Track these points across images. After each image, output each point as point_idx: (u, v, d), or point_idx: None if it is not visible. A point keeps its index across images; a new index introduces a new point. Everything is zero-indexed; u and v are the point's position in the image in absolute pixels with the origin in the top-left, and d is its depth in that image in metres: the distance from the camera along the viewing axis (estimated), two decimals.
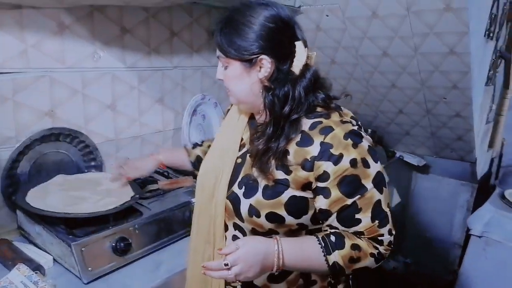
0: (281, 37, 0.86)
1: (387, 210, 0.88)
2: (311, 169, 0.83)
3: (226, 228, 0.96)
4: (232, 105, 1.09)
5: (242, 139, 1.00)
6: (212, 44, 1.87)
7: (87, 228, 1.14)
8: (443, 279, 2.61)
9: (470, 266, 2.00)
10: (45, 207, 1.14)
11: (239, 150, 0.99)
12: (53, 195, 1.22)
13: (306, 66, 0.88)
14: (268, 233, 0.90)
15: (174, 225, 1.30)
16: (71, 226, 1.14)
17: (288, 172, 0.86)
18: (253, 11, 0.86)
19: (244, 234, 0.94)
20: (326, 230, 0.89)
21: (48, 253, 1.16)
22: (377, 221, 0.86)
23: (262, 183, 0.88)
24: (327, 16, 1.76)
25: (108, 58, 1.48)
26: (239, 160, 0.97)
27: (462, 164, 2.41)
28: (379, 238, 0.88)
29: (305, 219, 0.89)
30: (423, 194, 2.74)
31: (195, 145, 1.34)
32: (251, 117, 1.01)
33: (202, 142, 1.35)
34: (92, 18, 1.41)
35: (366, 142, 0.86)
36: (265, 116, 0.91)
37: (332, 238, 0.86)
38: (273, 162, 0.86)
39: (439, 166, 2.54)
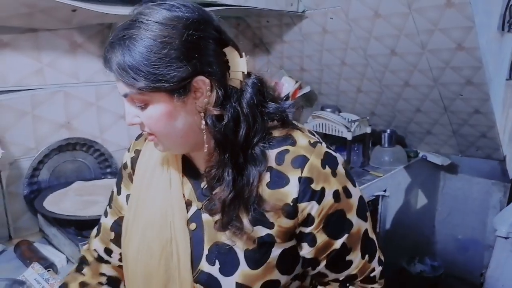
0: (211, 47, 0.65)
1: (373, 237, 0.76)
2: (295, 214, 0.67)
3: None
4: (136, 154, 0.83)
5: (184, 196, 0.75)
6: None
7: None
8: (473, 283, 2.50)
9: (497, 268, 1.90)
10: (58, 211, 1.25)
11: (187, 212, 0.74)
12: (68, 200, 1.33)
13: (247, 76, 0.69)
14: None
15: None
16: (81, 228, 1.24)
17: (269, 225, 0.68)
18: (154, 17, 0.62)
19: None
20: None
21: (62, 253, 1.27)
22: (366, 256, 0.74)
23: (240, 249, 0.68)
24: (331, 18, 1.77)
25: None
26: (193, 226, 0.73)
27: (490, 162, 2.30)
28: (371, 274, 0.76)
29: (298, 269, 0.75)
30: (453, 195, 2.63)
31: (64, 285, 0.86)
32: (184, 162, 0.77)
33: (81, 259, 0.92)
34: (102, 35, 1.52)
35: (341, 165, 0.72)
36: (212, 155, 0.68)
37: None
38: (245, 217, 0.67)
39: (466, 165, 2.44)
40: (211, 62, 0.65)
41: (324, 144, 0.72)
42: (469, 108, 1.89)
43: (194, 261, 0.71)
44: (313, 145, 0.70)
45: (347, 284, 0.76)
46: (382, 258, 0.79)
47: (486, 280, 1.95)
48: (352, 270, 0.73)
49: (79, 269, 0.90)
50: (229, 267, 0.68)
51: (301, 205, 0.67)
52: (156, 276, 0.72)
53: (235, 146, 0.66)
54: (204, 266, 0.71)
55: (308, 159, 0.67)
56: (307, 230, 0.69)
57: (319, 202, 0.67)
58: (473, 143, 2.19)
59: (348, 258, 0.72)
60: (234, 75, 0.68)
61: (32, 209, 1.41)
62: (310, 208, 0.67)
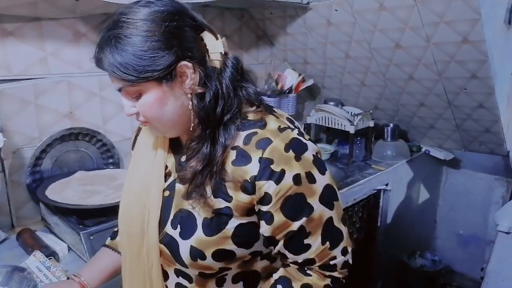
0: (189, 33, 0.71)
1: (340, 226, 0.78)
2: (252, 191, 0.71)
3: (166, 276, 0.82)
4: (138, 132, 0.94)
5: (167, 167, 0.83)
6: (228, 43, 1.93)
7: (96, 219, 1.24)
8: (474, 278, 2.50)
9: (498, 263, 1.90)
10: (60, 200, 1.25)
11: (165, 181, 0.82)
12: (70, 189, 1.34)
13: (225, 56, 0.74)
14: (219, 273, 0.78)
15: None
16: (82, 217, 1.24)
17: (228, 198, 0.73)
18: (135, 15, 0.68)
19: (190, 280, 0.80)
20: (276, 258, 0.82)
21: (64, 241, 1.27)
22: (327, 243, 0.76)
23: (200, 216, 0.74)
24: (336, 10, 1.75)
25: None
26: (167, 193, 0.81)
27: (493, 157, 2.29)
28: (331, 262, 0.78)
29: (258, 245, 0.78)
30: (455, 190, 2.62)
31: (114, 234, 1.05)
32: (171, 140, 0.85)
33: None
34: None
35: (310, 152, 0.74)
36: (195, 131, 0.75)
37: (279, 287, 0.78)
38: (208, 188, 0.73)
39: (469, 160, 2.43)
40: (191, 47, 0.71)
41: (295, 131, 0.75)
42: (473, 102, 1.88)
43: (162, 224, 0.79)
44: (281, 130, 0.74)
45: (305, 268, 0.78)
46: (350, 249, 0.80)
47: (487, 274, 1.95)
48: (310, 254, 0.76)
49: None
50: (187, 231, 0.75)
51: (259, 183, 0.71)
52: (134, 235, 0.82)
53: (215, 121, 0.73)
54: (168, 229, 0.78)
55: (272, 142, 0.72)
56: (265, 208, 0.72)
57: (277, 182, 0.70)
58: (476, 138, 2.18)
59: (306, 241, 0.75)
60: (214, 56, 0.73)
61: (35, 198, 1.42)
62: (267, 187, 0.71)
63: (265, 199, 0.71)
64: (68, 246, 1.26)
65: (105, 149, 1.58)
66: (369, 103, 2.28)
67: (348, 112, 2.16)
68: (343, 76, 2.16)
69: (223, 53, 0.74)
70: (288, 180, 0.71)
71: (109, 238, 1.05)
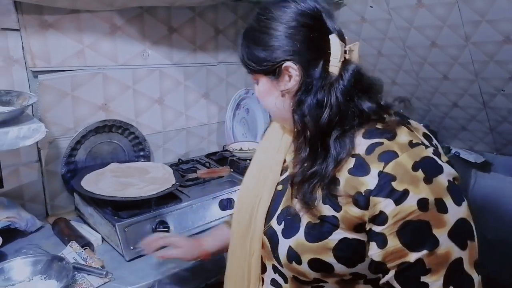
0: (307, 36, 0.71)
1: (472, 273, 0.63)
2: (365, 206, 0.64)
3: (264, 269, 0.82)
4: (269, 123, 0.97)
5: (285, 161, 0.84)
6: None
7: (131, 211, 1.25)
8: (502, 283, 2.44)
9: None
10: (96, 191, 1.27)
11: (281, 175, 0.83)
12: (104, 181, 1.35)
13: (345, 64, 0.70)
14: (314, 282, 0.73)
15: (211, 212, 1.38)
16: (117, 209, 1.25)
17: (337, 207, 0.67)
18: (269, 14, 0.73)
19: (286, 280, 0.78)
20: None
21: (98, 232, 1.29)
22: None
23: (304, 219, 0.71)
24: (371, 7, 1.72)
25: (156, 56, 1.60)
26: (280, 187, 0.81)
27: None
28: None
29: (362, 267, 0.70)
30: (485, 194, 2.55)
31: None
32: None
33: None
34: (142, 18, 1.52)
35: (445, 176, 0.63)
36: (300, 135, 0.74)
37: None
38: (319, 192, 0.69)
39: (501, 163, 2.36)
40: (306, 50, 0.71)
41: (430, 149, 0.66)
42: (511, 104, 1.82)
43: (269, 217, 0.79)
44: (413, 145, 0.66)
45: None
46: None
47: None
48: None
49: None
50: (289, 231, 0.73)
51: (374, 199, 0.63)
52: (242, 221, 0.84)
53: (315, 130, 0.70)
54: (274, 223, 0.77)
55: (397, 156, 0.64)
56: (378, 229, 0.64)
57: (396, 202, 0.62)
58: (510, 141, 2.12)
59: (423, 279, 0.63)
60: (333, 62, 0.70)
61: (69, 188, 1.44)
62: (384, 205, 0.62)
63: (380, 218, 0.63)
64: (102, 236, 1.27)
65: (137, 142, 1.59)
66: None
67: None
68: (374, 74, 2.11)
69: (343, 60, 0.70)
70: (411, 203, 0.61)
71: (230, 216, 1.08)
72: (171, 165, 1.55)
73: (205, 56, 1.75)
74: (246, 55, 0.76)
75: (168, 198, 1.33)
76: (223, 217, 1.40)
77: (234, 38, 1.83)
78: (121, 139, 1.56)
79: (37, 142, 1.33)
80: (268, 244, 0.77)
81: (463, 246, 0.62)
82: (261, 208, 0.80)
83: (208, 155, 1.79)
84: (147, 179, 1.40)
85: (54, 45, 1.33)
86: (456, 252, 0.62)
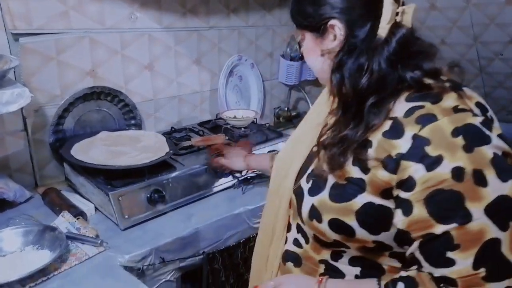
0: None
1: (511, 257, 0.57)
2: (394, 170, 0.61)
3: (289, 228, 0.84)
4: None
5: (327, 124, 0.80)
6: (250, 3, 1.84)
7: (124, 180, 1.21)
8: None
9: None
10: (87, 160, 1.22)
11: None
12: (95, 149, 1.30)
13: (395, 27, 0.65)
14: (335, 245, 0.72)
15: (206, 181, 1.35)
16: (110, 178, 1.21)
17: (365, 169, 0.65)
18: None
19: (307, 240, 0.78)
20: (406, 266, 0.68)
21: (91, 202, 1.25)
22: (483, 270, 0.57)
23: (330, 180, 0.70)
24: None
25: (145, 19, 1.51)
26: (315, 149, 0.78)
27: None
28: None
29: (386, 237, 0.66)
30: None
31: None
32: None
33: None
34: None
35: (491, 148, 0.57)
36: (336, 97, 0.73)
37: (400, 286, 0.63)
38: (349, 155, 0.67)
39: None
40: (353, 9, 0.67)
41: (479, 118, 0.60)
42: (508, 69, 1.79)
43: (300, 176, 0.79)
44: (458, 110, 0.60)
45: (441, 285, 0.61)
46: None
47: None
48: (452, 273, 0.59)
49: None
50: (315, 189, 0.73)
51: (404, 163, 0.60)
52: (279, 174, 0.86)
53: (351, 95, 0.67)
54: (303, 181, 0.77)
55: (436, 120, 0.59)
56: (404, 195, 0.61)
57: (428, 168, 0.58)
58: (505, 107, 2.11)
59: (449, 255, 0.58)
60: (383, 24, 0.65)
61: (58, 158, 1.39)
62: (414, 170, 0.59)
63: (407, 184, 0.60)
64: (95, 206, 1.24)
65: (127, 110, 1.54)
66: None
67: None
68: None
69: (394, 23, 0.65)
70: (444, 170, 0.57)
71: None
72: (163, 134, 1.51)
73: (196, 21, 1.67)
74: (295, 8, 0.75)
75: (162, 166, 1.30)
76: (219, 185, 1.37)
77: (226, 2, 1.74)
78: (111, 107, 1.50)
79: (22, 109, 1.28)
80: (295, 202, 0.78)
81: (503, 227, 0.57)
82: (295, 165, 0.82)
83: (201, 124, 1.75)
84: (140, 147, 1.35)
85: (35, 6, 1.24)
86: (493, 231, 0.56)
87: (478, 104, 0.65)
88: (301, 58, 2.04)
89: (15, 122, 1.29)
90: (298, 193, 0.77)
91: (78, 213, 1.17)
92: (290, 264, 0.82)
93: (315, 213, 0.71)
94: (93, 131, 1.44)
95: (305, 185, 0.75)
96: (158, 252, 1.10)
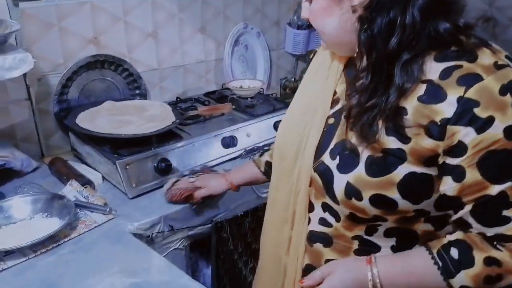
0: None
1: None
2: (440, 137, 0.58)
3: (311, 208, 0.77)
4: (313, 55, 0.88)
5: (335, 93, 0.76)
6: None
7: (131, 149, 1.19)
8: None
9: None
10: (93, 128, 1.20)
11: (331, 107, 0.75)
12: (101, 119, 1.28)
13: None
14: (372, 220, 0.69)
15: (213, 150, 1.33)
16: (116, 147, 1.20)
17: (404, 139, 0.61)
18: None
19: (338, 218, 0.72)
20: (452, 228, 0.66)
21: (98, 171, 1.24)
22: None
23: (364, 153, 0.65)
24: None
25: None
26: (331, 121, 0.74)
27: None
28: None
29: (427, 204, 0.65)
30: None
31: (263, 152, 1.09)
32: (348, 64, 0.77)
33: (269, 147, 1.10)
34: None
35: None
36: (363, 59, 0.66)
37: (454, 252, 0.62)
38: (380, 124, 0.63)
39: None
40: None
41: None
42: None
43: (320, 152, 0.73)
44: (500, 66, 0.58)
45: (495, 242, 0.61)
46: None
47: None
48: (508, 230, 0.59)
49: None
50: (346, 165, 0.67)
51: (452, 128, 0.57)
52: (288, 156, 0.78)
53: (382, 53, 0.61)
54: (326, 158, 0.71)
55: (482, 79, 0.56)
56: (455, 161, 0.58)
57: (479, 131, 0.56)
58: None
59: (505, 213, 0.58)
60: None
61: (63, 128, 1.37)
62: (464, 134, 0.56)
63: (457, 149, 0.57)
64: (102, 175, 1.23)
65: (132, 79, 1.51)
66: None
67: None
68: None
69: None
70: (496, 131, 0.55)
71: (258, 155, 1.10)
72: (169, 104, 1.48)
73: None
74: None
75: (169, 136, 1.28)
76: (226, 155, 1.36)
77: None
78: (115, 76, 1.47)
79: (25, 78, 1.26)
80: (320, 181, 0.71)
81: None
82: (311, 141, 0.74)
83: (207, 94, 1.71)
84: (145, 116, 1.33)
85: None
86: None
87: (507, 57, 0.62)
88: (308, 26, 1.98)
89: (19, 91, 1.27)
90: (323, 171, 0.71)
91: (86, 182, 1.16)
92: (318, 245, 0.76)
93: (353, 191, 0.66)
94: (97, 101, 1.41)
95: (331, 162, 0.69)
96: (167, 220, 1.09)
